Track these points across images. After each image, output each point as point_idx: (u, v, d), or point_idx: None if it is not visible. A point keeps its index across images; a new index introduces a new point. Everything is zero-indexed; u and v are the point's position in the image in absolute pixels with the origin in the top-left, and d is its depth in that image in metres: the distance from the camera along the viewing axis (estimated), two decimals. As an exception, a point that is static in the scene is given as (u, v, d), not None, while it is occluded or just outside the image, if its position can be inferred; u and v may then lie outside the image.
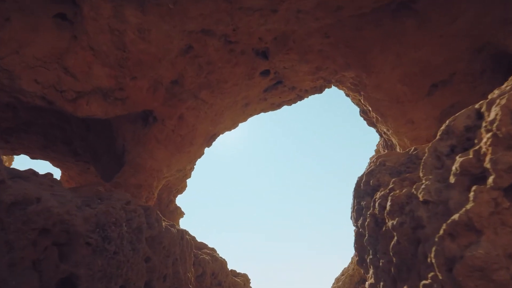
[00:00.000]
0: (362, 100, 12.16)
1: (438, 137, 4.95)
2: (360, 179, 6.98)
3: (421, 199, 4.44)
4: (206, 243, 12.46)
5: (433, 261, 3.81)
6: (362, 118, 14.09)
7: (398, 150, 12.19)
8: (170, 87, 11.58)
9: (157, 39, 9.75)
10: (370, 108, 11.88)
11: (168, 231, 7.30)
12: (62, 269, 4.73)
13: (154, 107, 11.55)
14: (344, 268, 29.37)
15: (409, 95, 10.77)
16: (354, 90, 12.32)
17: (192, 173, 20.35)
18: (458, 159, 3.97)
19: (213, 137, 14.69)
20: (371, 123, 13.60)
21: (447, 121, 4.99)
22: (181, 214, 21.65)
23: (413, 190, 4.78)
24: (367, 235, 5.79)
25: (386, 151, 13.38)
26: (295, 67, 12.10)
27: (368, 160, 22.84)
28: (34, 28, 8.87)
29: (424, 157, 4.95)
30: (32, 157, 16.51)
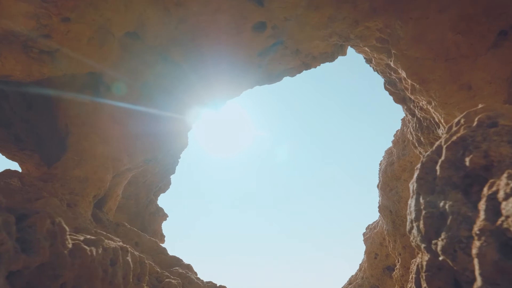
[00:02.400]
0: (392, 63, 8.89)
1: None
2: (430, 159, 3.70)
3: None
4: (181, 258, 9.21)
5: None
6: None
7: (443, 131, 8.89)
8: (127, 42, 8.32)
9: (95, -42, 6.52)
10: (404, 74, 8.63)
11: (77, 253, 4.09)
12: None
13: (104, 69, 8.29)
14: (352, 276, 26.08)
15: (465, 48, 7.49)
16: (381, 50, 9.04)
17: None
18: None
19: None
20: (400, 99, 10.33)
21: None
22: (164, 216, 18.40)
23: None
24: (480, 279, 2.50)
25: (420, 135, 10.11)
26: (301, 17, 8.82)
27: (383, 153, 19.60)
28: None
29: None
30: (-30, 146, 13.30)
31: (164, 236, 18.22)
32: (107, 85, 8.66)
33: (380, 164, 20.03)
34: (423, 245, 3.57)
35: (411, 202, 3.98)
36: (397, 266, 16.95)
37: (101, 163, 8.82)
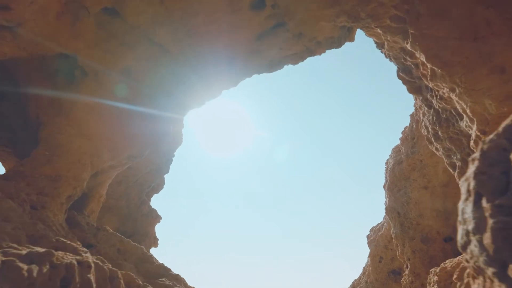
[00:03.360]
0: (408, 46, 7.80)
1: None
2: (495, 145, 2.60)
3: None
4: (169, 267, 8.11)
5: None
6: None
7: (467, 123, 7.78)
8: (104, 19, 7.23)
9: None
10: (423, 58, 7.54)
11: (8, 275, 3.02)
12: None
13: (78, 51, 7.20)
14: (355, 280, 25.03)
15: (498, 24, 6.40)
16: (396, 31, 7.95)
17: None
18: None
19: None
20: (415, 88, 9.23)
21: None
22: (157, 218, 17.32)
23: None
24: None
25: (437, 128, 9.01)
26: (305, -7, 7.74)
27: (388, 152, 18.50)
28: None
29: None
30: None
31: (157, 239, 17.15)
32: (83, 70, 7.57)
33: (386, 163, 18.92)
34: (491, 270, 2.44)
35: (465, 206, 2.85)
36: (406, 272, 15.85)
37: (77, 159, 7.73)
